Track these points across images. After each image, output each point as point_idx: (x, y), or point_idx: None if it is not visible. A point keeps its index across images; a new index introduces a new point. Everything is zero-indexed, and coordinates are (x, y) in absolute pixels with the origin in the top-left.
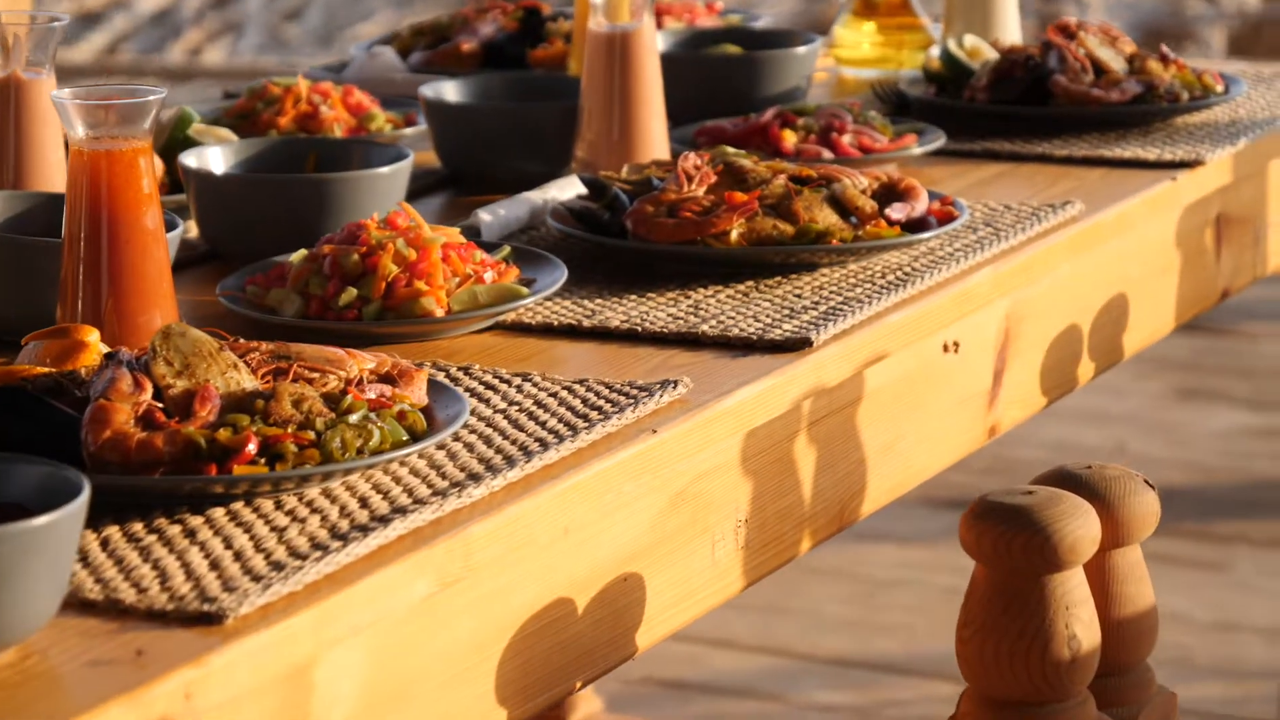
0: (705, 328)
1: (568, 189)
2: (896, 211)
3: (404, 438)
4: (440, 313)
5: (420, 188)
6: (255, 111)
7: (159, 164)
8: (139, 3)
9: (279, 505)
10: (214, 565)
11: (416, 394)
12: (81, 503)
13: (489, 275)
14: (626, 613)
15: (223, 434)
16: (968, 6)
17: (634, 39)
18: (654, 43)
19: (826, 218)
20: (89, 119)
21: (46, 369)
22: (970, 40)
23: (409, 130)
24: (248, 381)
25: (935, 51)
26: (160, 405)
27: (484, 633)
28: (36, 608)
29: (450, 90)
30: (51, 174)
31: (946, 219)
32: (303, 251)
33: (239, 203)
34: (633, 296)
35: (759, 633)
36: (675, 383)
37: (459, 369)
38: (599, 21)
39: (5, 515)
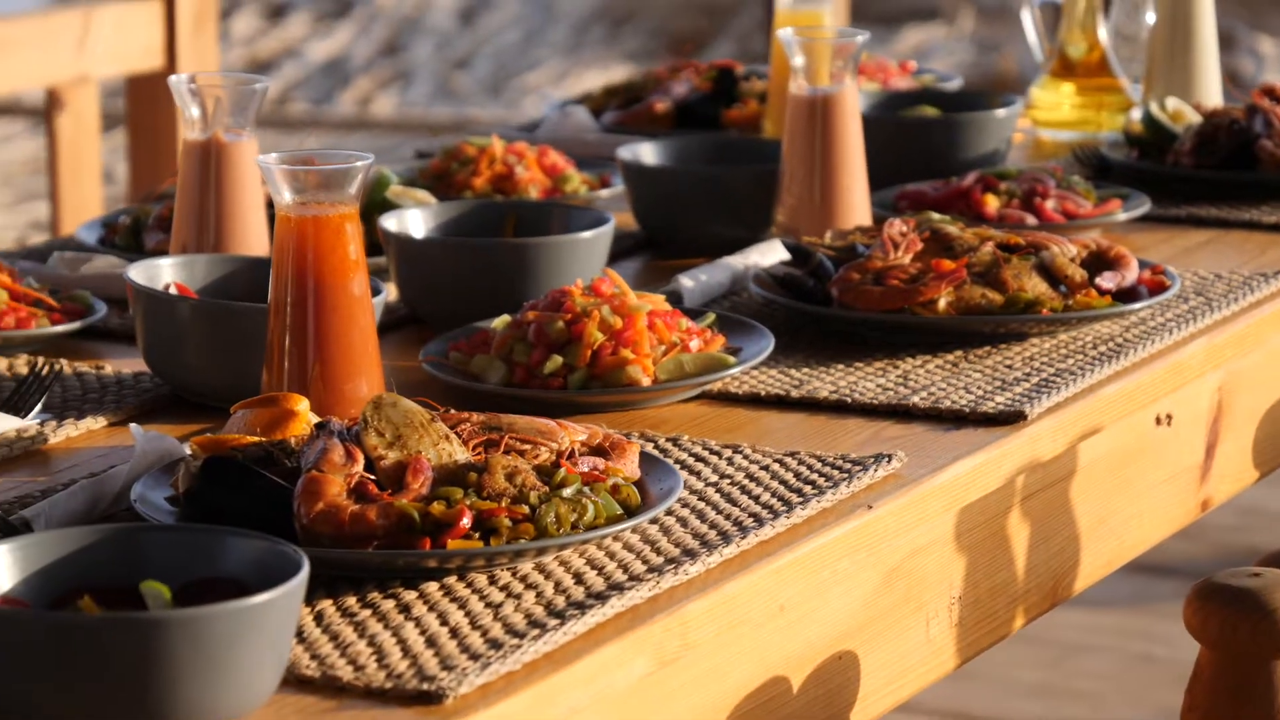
0: (916, 399)
1: (769, 254)
2: (1107, 281)
3: (618, 512)
4: (647, 382)
5: (617, 250)
6: (450, 172)
7: None
8: (309, 51)
9: (493, 580)
10: (430, 642)
11: (629, 467)
12: (301, 580)
13: (695, 343)
14: (841, 691)
15: (436, 508)
16: (1169, 69)
17: (836, 102)
18: (856, 106)
19: (1036, 286)
20: (295, 184)
21: (256, 438)
22: (1172, 103)
23: (604, 192)
24: (460, 453)
25: (1136, 114)
26: (372, 477)
27: (701, 713)
28: (256, 686)
29: (647, 152)
30: (252, 236)
31: (1158, 288)
32: (506, 317)
33: (440, 266)
34: (840, 366)
35: (948, 697)
36: (889, 457)
37: (668, 440)
38: (800, 85)
39: (223, 591)
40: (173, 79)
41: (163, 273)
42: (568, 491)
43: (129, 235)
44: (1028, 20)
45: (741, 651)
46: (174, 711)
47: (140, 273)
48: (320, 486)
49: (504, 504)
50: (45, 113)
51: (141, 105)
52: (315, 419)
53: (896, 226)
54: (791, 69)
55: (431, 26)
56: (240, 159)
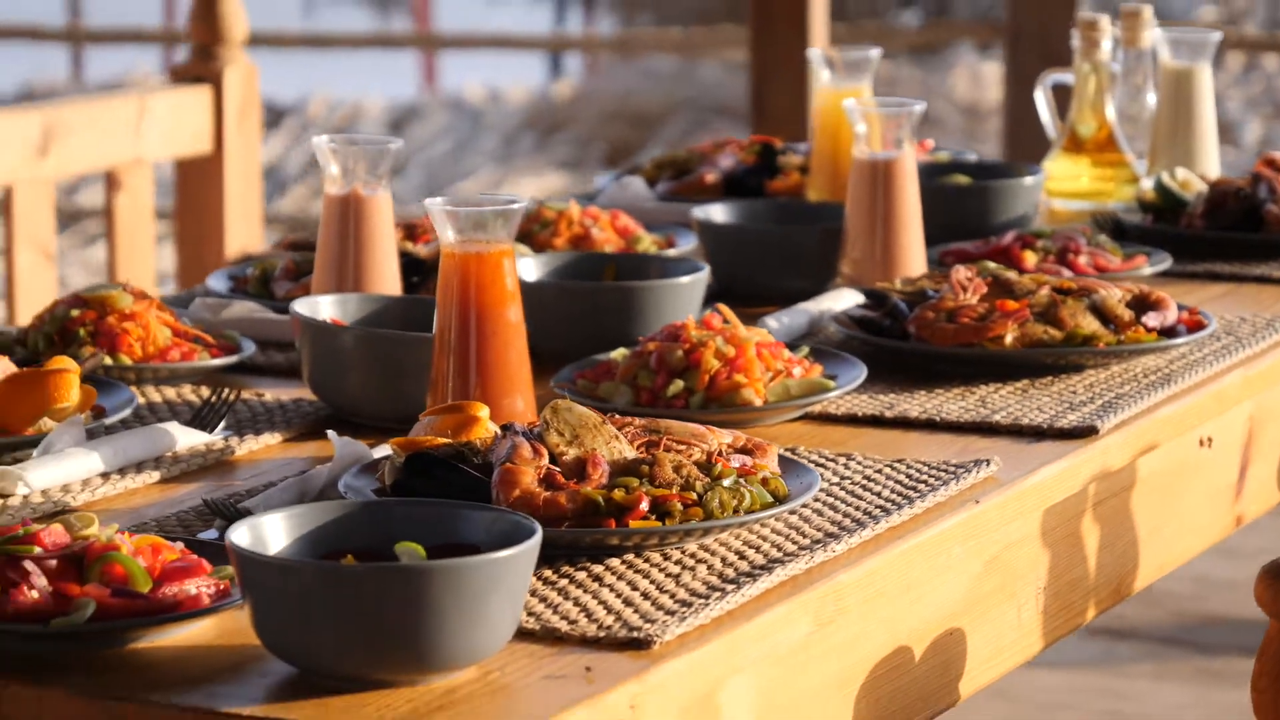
0: (998, 418)
1: (839, 301)
2: (1152, 319)
3: (769, 500)
4: (759, 402)
5: None
6: (532, 233)
7: None
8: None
9: (665, 557)
10: (627, 603)
11: (771, 464)
12: (535, 541)
13: (797, 371)
14: (952, 663)
15: (617, 494)
16: (1171, 144)
17: (895, 166)
18: (914, 169)
19: (1090, 324)
20: (458, 225)
21: (446, 439)
22: (1181, 173)
23: (672, 251)
24: (628, 451)
25: (1148, 184)
26: (557, 469)
27: (846, 672)
28: (499, 633)
29: (718, 213)
30: (388, 279)
31: (1196, 327)
32: (623, 350)
33: (554, 307)
34: (922, 392)
35: None
36: (987, 462)
37: (787, 450)
38: (863, 150)
39: (465, 554)
40: (316, 140)
41: (321, 309)
42: (727, 482)
43: (259, 284)
44: (1040, 100)
45: (879, 621)
46: (433, 653)
47: (304, 308)
48: (516, 476)
49: (675, 491)
50: (105, 192)
51: (190, 186)
52: (493, 426)
53: (963, 272)
54: (855, 136)
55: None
56: (376, 211)
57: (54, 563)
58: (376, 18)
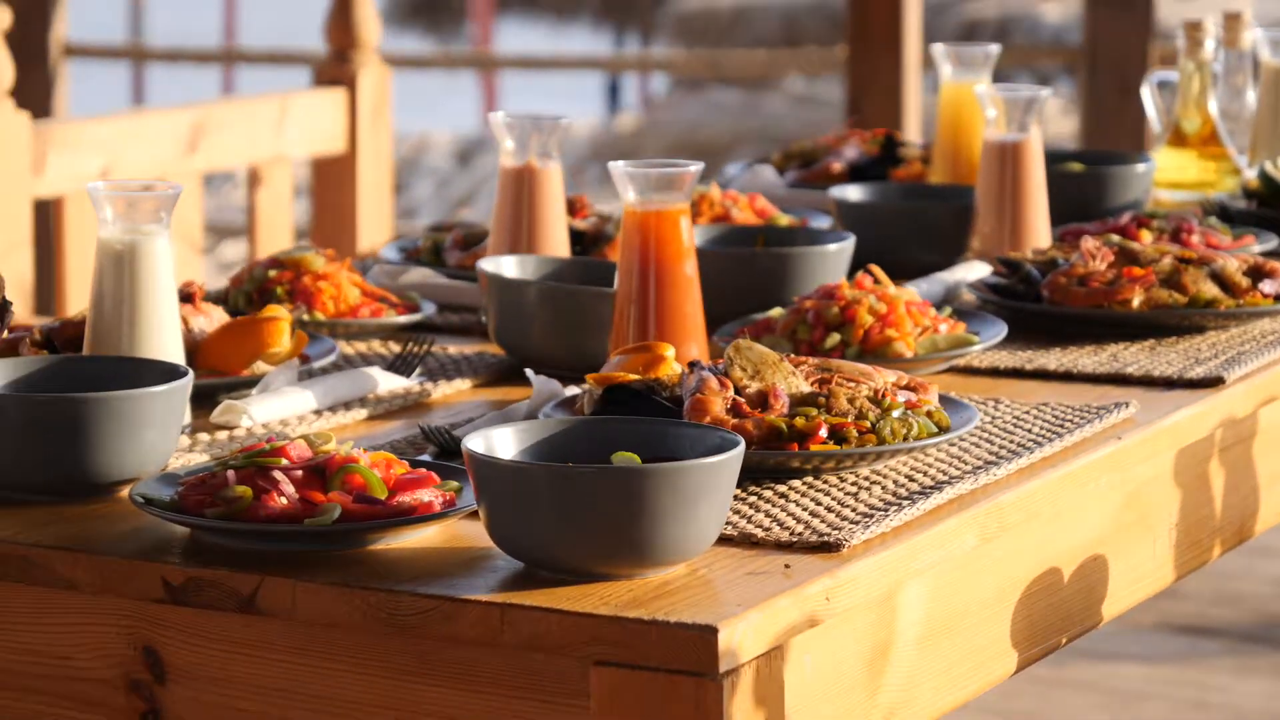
0: (1130, 370)
1: (971, 272)
2: (1268, 286)
3: (934, 430)
4: (910, 355)
5: None
6: None
7: None
8: None
9: (841, 479)
10: (813, 515)
11: (933, 401)
12: (740, 450)
13: (943, 327)
14: (1096, 587)
15: (799, 421)
16: (1271, 137)
17: (1023, 147)
18: (1040, 150)
19: (1210, 289)
20: (639, 185)
21: (638, 376)
22: None
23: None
24: (804, 386)
25: (1252, 173)
26: (742, 400)
27: (1004, 585)
28: (707, 534)
29: (853, 192)
30: (557, 244)
31: None
32: (779, 309)
33: (712, 272)
34: (1056, 349)
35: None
36: (1126, 404)
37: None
38: (993, 132)
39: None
40: (493, 115)
41: (504, 267)
42: (896, 413)
43: (430, 254)
44: (1147, 96)
45: (1034, 541)
46: (649, 549)
47: (490, 266)
48: (706, 405)
49: (849, 420)
50: (248, 186)
51: (326, 183)
52: (678, 365)
53: (1091, 242)
54: (985, 121)
55: (431, 167)
56: (548, 181)
57: (300, 473)
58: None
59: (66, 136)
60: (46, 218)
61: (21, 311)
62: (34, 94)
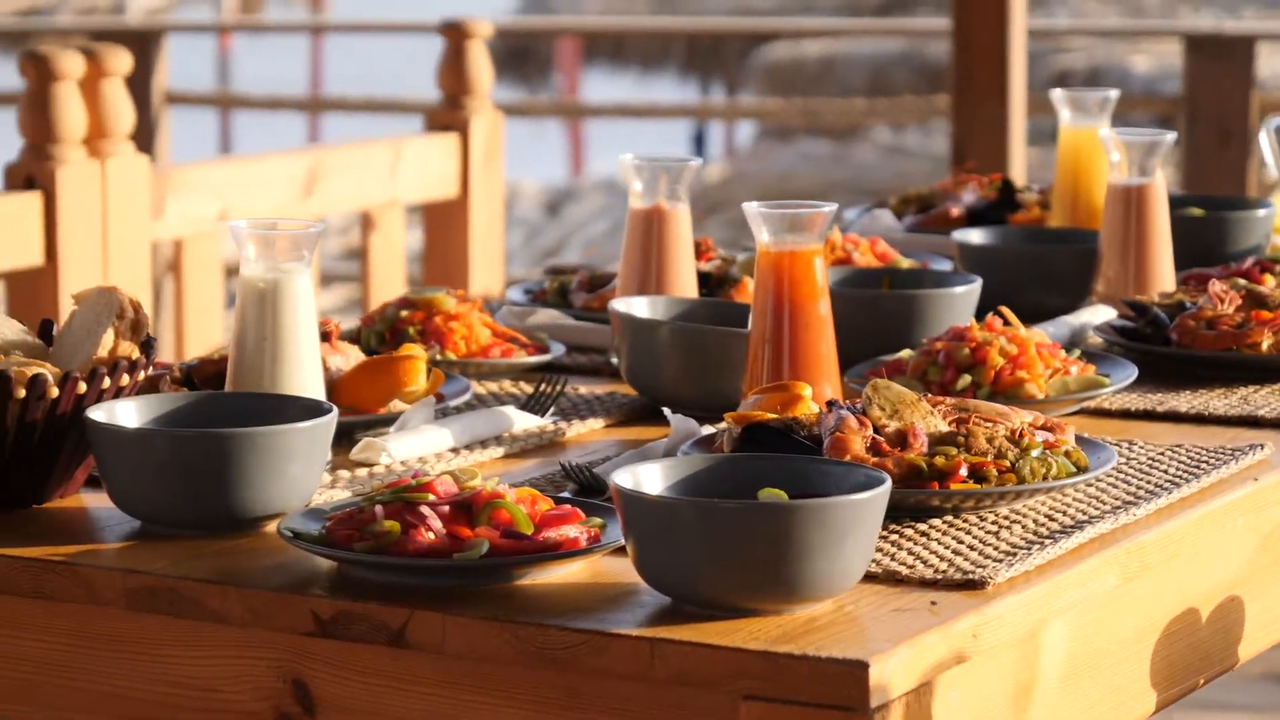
0: (1263, 412)
1: (1096, 316)
2: None
3: (1073, 470)
4: (1041, 396)
5: None
6: None
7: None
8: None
9: (981, 518)
10: (955, 553)
11: (1070, 441)
12: (887, 487)
13: (1074, 370)
14: (1233, 628)
15: (939, 460)
16: None
17: (1147, 191)
18: (1164, 194)
19: None
20: (773, 226)
21: (776, 415)
22: None
23: None
24: (942, 425)
25: None
26: (881, 439)
27: (1144, 625)
28: (852, 568)
29: (975, 235)
30: (686, 285)
31: None
32: (909, 350)
33: (840, 314)
34: (1186, 392)
35: None
36: (1261, 446)
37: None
38: (1117, 176)
39: None
40: (623, 157)
41: (635, 308)
42: (1035, 452)
43: (557, 295)
44: (1265, 142)
45: (1173, 581)
46: (797, 585)
47: (622, 306)
48: (846, 444)
49: (989, 459)
50: (361, 231)
51: (437, 227)
52: (814, 404)
53: (1219, 285)
54: (1109, 165)
55: (520, 217)
56: (676, 223)
57: (446, 508)
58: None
59: (185, 180)
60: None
61: None
62: (140, 140)
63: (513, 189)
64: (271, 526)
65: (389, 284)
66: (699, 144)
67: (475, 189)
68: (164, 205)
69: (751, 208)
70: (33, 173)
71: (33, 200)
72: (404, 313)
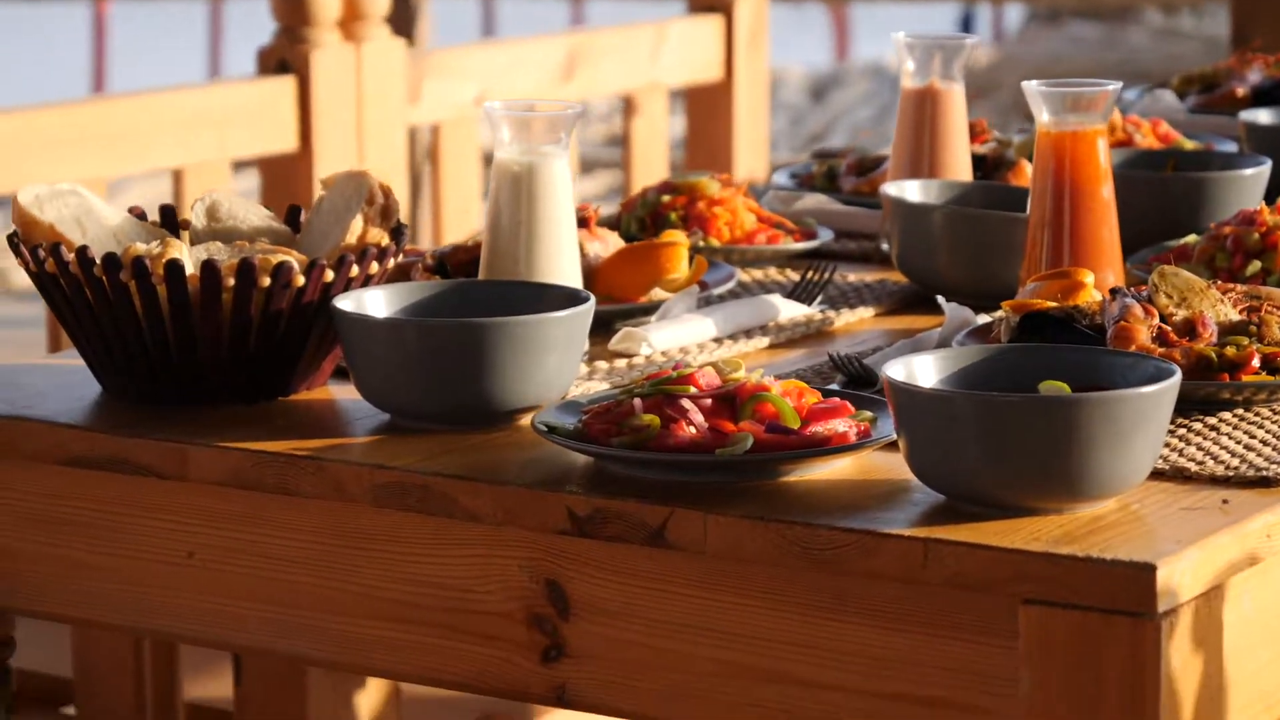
0: None
1: None
2: None
3: None
4: None
5: None
6: None
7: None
8: None
9: (1275, 412)
10: (1248, 448)
11: None
12: (1176, 379)
13: None
14: None
15: (1229, 350)
16: None
17: None
18: None
19: None
20: (1054, 106)
21: (1056, 303)
22: None
23: None
24: (1232, 314)
25: None
26: (1168, 328)
27: None
28: (1139, 465)
29: (1264, 116)
30: (960, 169)
31: None
32: (1195, 235)
33: (1122, 197)
34: None
35: None
36: None
37: None
38: None
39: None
40: (897, 35)
41: (907, 192)
42: None
43: (824, 179)
44: None
45: None
46: (1080, 482)
47: (894, 190)
48: (1131, 333)
49: None
50: (623, 116)
51: (700, 113)
52: (1098, 292)
53: None
54: None
55: (784, 102)
56: (951, 103)
57: (709, 401)
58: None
59: (442, 64)
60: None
61: None
62: (399, 24)
63: (777, 74)
64: (526, 420)
65: (651, 170)
66: (965, 27)
67: (740, 72)
68: (420, 90)
69: (1032, 86)
70: (286, 57)
71: (286, 85)
72: (666, 198)
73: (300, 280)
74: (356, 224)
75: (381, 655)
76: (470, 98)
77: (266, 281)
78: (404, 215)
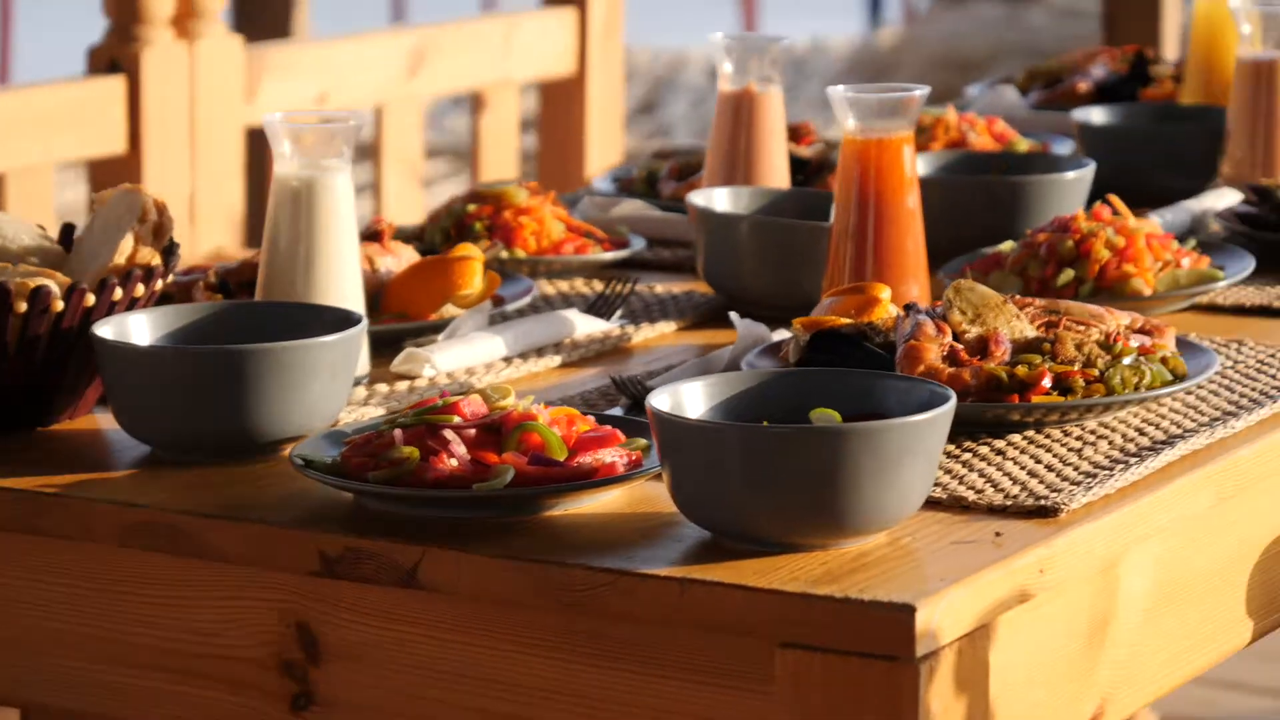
0: None
1: (1221, 200)
2: None
3: (1169, 378)
4: (1148, 292)
5: None
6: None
7: None
8: None
9: (1066, 433)
10: (1031, 474)
11: (1170, 345)
12: (950, 407)
13: (1185, 261)
14: None
15: (1021, 369)
16: None
17: (1278, 66)
18: None
19: None
20: (859, 112)
21: (848, 320)
22: None
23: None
24: (1029, 330)
25: None
26: (960, 346)
27: (1240, 549)
28: (909, 497)
29: (1097, 115)
30: (777, 175)
31: None
32: (1011, 243)
33: (941, 202)
34: None
35: (1271, 677)
36: None
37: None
38: (1246, 50)
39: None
40: (713, 36)
41: (716, 201)
42: (1128, 360)
43: (644, 185)
44: None
45: (1273, 500)
46: (847, 517)
47: (700, 199)
48: (920, 353)
49: (1076, 368)
50: (471, 112)
51: (554, 107)
52: (895, 307)
53: None
54: (1239, 38)
55: (687, 84)
56: (768, 107)
57: (473, 432)
58: None
59: (281, 62)
60: (261, 147)
61: (233, 244)
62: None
63: (680, 56)
64: (289, 450)
65: (501, 169)
66: (875, 6)
67: (593, 66)
68: (258, 89)
69: (836, 91)
70: (116, 55)
71: (116, 85)
72: (471, 207)
73: (59, 305)
74: (126, 243)
75: (126, 704)
76: (311, 96)
77: (23, 307)
78: (245, 220)
